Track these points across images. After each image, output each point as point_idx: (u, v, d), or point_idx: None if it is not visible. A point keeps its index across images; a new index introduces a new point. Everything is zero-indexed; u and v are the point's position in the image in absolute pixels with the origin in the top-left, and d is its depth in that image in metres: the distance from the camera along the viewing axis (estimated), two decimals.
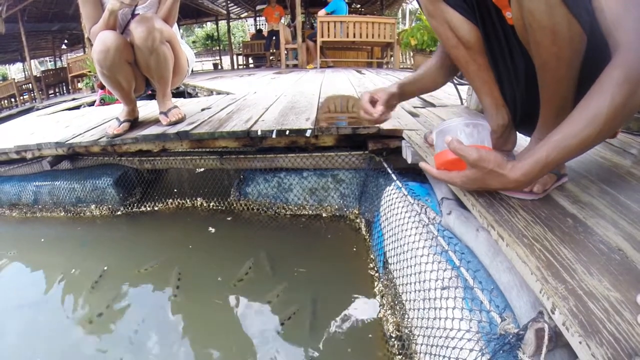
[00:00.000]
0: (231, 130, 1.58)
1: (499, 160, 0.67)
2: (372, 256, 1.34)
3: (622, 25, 0.60)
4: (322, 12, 5.83)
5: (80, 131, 1.92)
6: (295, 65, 6.43)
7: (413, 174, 1.33)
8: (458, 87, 2.01)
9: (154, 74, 1.67)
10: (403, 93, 1.10)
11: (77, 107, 3.53)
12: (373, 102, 1.06)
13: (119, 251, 1.60)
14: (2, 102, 9.60)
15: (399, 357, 0.91)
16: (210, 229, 1.66)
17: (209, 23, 16.02)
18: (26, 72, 12.06)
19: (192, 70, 1.96)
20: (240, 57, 10.94)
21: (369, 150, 1.52)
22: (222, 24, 13.26)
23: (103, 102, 3.78)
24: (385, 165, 1.41)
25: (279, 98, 2.42)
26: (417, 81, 1.12)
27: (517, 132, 1.01)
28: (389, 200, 1.20)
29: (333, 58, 6.58)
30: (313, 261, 1.38)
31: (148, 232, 1.76)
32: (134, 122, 1.85)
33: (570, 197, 0.78)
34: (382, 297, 1.14)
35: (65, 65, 9.97)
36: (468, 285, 0.73)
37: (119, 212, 1.90)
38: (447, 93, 2.41)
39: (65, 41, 12.66)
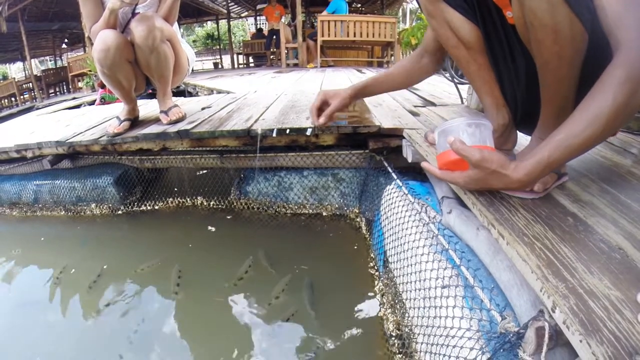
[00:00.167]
0: (231, 129, 1.58)
1: (502, 161, 0.67)
2: (372, 255, 1.34)
3: (623, 24, 0.60)
4: (324, 14, 5.85)
5: (80, 130, 1.92)
6: (295, 65, 6.43)
7: (413, 172, 1.33)
8: (458, 86, 2.01)
9: (154, 72, 1.67)
10: (362, 95, 1.22)
11: (78, 106, 3.52)
12: (325, 104, 1.20)
13: (119, 250, 1.60)
14: (3, 102, 9.61)
15: (399, 355, 0.92)
16: (211, 227, 1.66)
17: (209, 22, 16.00)
18: (26, 72, 12.07)
19: (192, 70, 1.96)
20: (240, 56, 10.95)
21: (370, 149, 1.52)
22: (223, 23, 13.26)
23: (103, 101, 3.78)
24: (386, 164, 1.41)
25: (280, 97, 2.42)
26: (383, 82, 1.20)
27: (518, 131, 1.01)
28: (390, 199, 1.20)
29: (333, 57, 6.58)
30: (313, 260, 1.38)
31: (148, 231, 1.76)
32: (135, 121, 1.85)
33: (571, 196, 0.78)
34: (382, 295, 1.14)
35: (66, 65, 9.98)
36: (468, 284, 0.73)
37: (119, 211, 1.90)
38: (448, 92, 2.41)
39: (66, 40, 12.67)
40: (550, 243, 0.61)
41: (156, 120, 1.84)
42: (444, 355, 0.67)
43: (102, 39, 1.50)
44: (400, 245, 1.01)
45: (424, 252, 0.88)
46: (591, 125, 0.60)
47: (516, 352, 0.54)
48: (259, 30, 10.50)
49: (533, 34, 0.68)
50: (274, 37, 7.66)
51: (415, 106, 1.89)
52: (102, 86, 3.82)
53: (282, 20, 7.84)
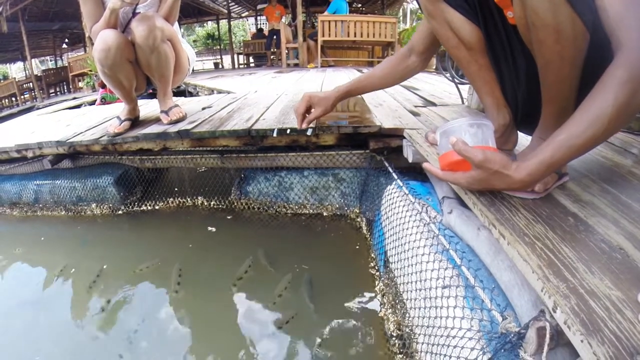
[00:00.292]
0: (232, 129, 1.58)
1: (504, 161, 0.67)
2: (372, 255, 1.34)
3: (624, 24, 0.60)
4: (324, 14, 5.85)
5: (81, 130, 1.92)
6: (296, 65, 6.43)
7: (414, 173, 1.33)
8: (459, 86, 2.01)
9: (155, 72, 1.67)
10: (348, 96, 1.26)
11: (78, 106, 3.52)
12: (309, 108, 1.25)
13: (120, 250, 1.60)
14: (3, 101, 9.61)
15: (400, 356, 0.92)
16: (211, 228, 1.66)
17: (209, 22, 15.99)
18: (27, 71, 12.09)
19: (192, 69, 1.96)
20: (241, 56, 10.95)
21: (370, 149, 1.52)
22: (223, 23, 13.25)
23: (104, 101, 3.78)
24: (386, 164, 1.41)
25: (280, 97, 2.42)
26: (367, 84, 1.23)
27: (518, 131, 1.01)
28: (390, 199, 1.20)
29: (334, 57, 6.59)
30: (314, 260, 1.38)
31: (149, 230, 1.76)
32: (135, 121, 1.85)
33: (572, 196, 0.78)
34: (383, 296, 1.14)
35: (66, 64, 9.98)
36: (469, 284, 0.73)
37: (119, 211, 1.90)
38: (448, 92, 2.41)
39: (66, 40, 12.68)
40: (551, 243, 0.61)
41: (157, 120, 1.84)
42: (445, 355, 0.67)
43: (102, 38, 1.50)
44: (401, 245, 1.01)
45: (424, 252, 0.88)
46: (593, 126, 0.60)
47: (517, 352, 0.54)
48: (260, 30, 10.50)
49: (535, 33, 0.68)
50: (275, 37, 7.66)
51: (415, 106, 1.89)
52: (103, 86, 3.83)
53: (283, 20, 7.84)
